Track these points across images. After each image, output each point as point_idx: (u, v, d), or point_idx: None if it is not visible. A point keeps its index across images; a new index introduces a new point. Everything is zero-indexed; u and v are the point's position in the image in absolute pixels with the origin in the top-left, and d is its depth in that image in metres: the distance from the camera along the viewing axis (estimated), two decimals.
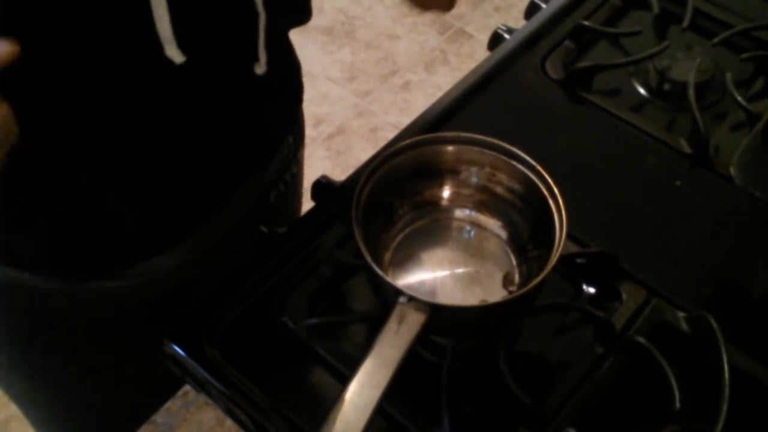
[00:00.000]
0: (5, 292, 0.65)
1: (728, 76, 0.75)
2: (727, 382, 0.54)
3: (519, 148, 0.58)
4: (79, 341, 0.72)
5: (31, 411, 0.81)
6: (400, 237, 0.61)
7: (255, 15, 0.55)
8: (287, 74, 0.67)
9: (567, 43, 0.80)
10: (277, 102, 0.67)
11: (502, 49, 0.80)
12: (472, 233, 0.62)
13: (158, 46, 0.48)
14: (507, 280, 0.58)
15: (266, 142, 0.70)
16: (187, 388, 0.61)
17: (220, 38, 0.54)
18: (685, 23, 0.81)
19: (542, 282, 0.52)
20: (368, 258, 0.52)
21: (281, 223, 0.69)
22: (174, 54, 0.49)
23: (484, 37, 0.84)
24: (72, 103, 0.49)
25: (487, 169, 0.60)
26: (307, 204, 0.68)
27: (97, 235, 0.60)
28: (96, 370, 0.76)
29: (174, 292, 0.73)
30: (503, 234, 0.61)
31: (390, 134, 0.75)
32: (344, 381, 0.47)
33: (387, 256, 0.60)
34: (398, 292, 0.50)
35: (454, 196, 0.62)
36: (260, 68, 0.58)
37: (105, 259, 0.63)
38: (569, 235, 0.56)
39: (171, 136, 0.56)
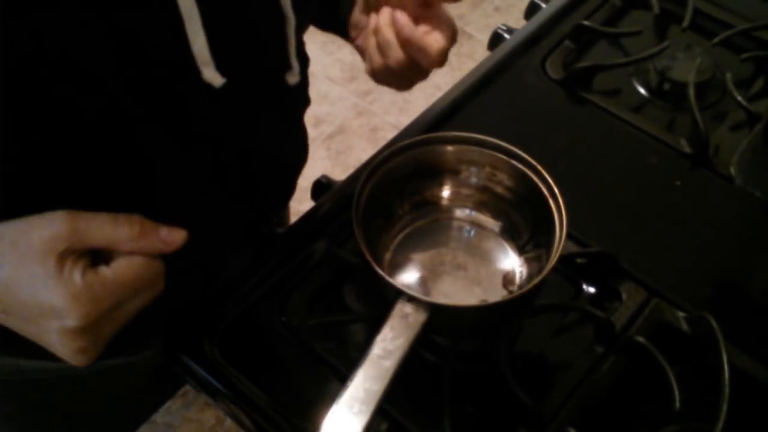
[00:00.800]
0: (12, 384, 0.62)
1: (728, 76, 0.75)
2: (727, 382, 0.54)
3: (519, 148, 0.58)
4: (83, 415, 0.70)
5: None
6: (400, 237, 0.61)
7: (284, 19, 0.52)
8: (306, 80, 0.65)
9: (567, 43, 0.80)
10: (299, 116, 0.65)
11: (502, 49, 0.80)
12: (472, 233, 0.62)
13: (195, 71, 0.46)
14: (507, 280, 0.58)
15: (291, 168, 0.68)
16: (187, 388, 0.61)
17: (255, 51, 0.52)
18: (685, 23, 0.81)
19: (542, 282, 0.52)
20: (368, 258, 0.52)
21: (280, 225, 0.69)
22: (212, 77, 0.46)
23: (484, 37, 0.84)
24: (109, 139, 0.46)
25: (487, 169, 0.60)
26: (307, 204, 0.68)
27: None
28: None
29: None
30: (503, 234, 0.61)
31: (390, 134, 0.75)
32: (344, 381, 0.47)
33: (387, 256, 0.60)
34: (398, 291, 0.50)
35: (454, 196, 0.62)
36: (293, 77, 0.56)
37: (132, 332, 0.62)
38: (569, 235, 0.56)
39: (210, 160, 0.54)
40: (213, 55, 0.45)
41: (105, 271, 0.41)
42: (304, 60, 0.60)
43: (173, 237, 0.42)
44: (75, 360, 0.42)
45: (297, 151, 0.68)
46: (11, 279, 0.39)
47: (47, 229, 0.39)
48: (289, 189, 0.69)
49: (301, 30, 0.56)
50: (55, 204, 0.41)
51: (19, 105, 0.41)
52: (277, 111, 0.59)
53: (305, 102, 0.66)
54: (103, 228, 0.40)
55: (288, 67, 0.55)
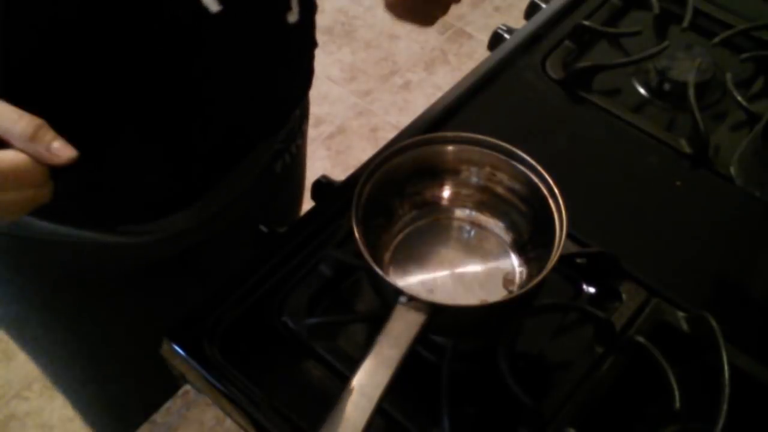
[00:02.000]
0: (17, 247, 0.65)
1: (728, 76, 0.75)
2: (727, 382, 0.54)
3: (519, 148, 0.58)
4: (88, 298, 0.73)
5: (47, 365, 0.81)
6: (400, 237, 0.61)
7: None
8: (311, 23, 0.67)
9: (567, 43, 0.80)
10: (303, 54, 0.66)
11: (502, 49, 0.80)
12: (472, 233, 0.62)
13: None
14: (507, 280, 0.58)
15: (286, 102, 0.69)
16: (187, 387, 0.61)
17: None
18: (685, 23, 0.81)
19: (542, 282, 0.52)
20: (368, 258, 0.52)
21: (284, 200, 0.69)
22: (209, 2, 0.48)
23: (484, 37, 0.84)
24: (104, 56, 0.48)
25: (487, 169, 0.60)
26: (307, 204, 0.68)
27: (122, 189, 0.60)
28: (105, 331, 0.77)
29: (184, 257, 0.74)
30: (503, 234, 0.61)
31: (390, 134, 0.75)
32: (344, 381, 0.47)
33: (387, 256, 0.60)
34: (398, 291, 0.50)
35: (454, 196, 0.62)
36: (293, 16, 0.57)
37: (126, 212, 0.63)
38: (569, 235, 0.56)
39: (200, 88, 0.56)
40: None
41: None
42: (308, 3, 0.62)
43: (62, 151, 0.43)
44: None
45: (298, 82, 0.70)
46: None
47: None
48: (285, 112, 0.71)
49: None
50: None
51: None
52: (276, 47, 0.60)
53: (311, 43, 0.68)
54: (4, 117, 0.42)
55: (287, 6, 0.57)
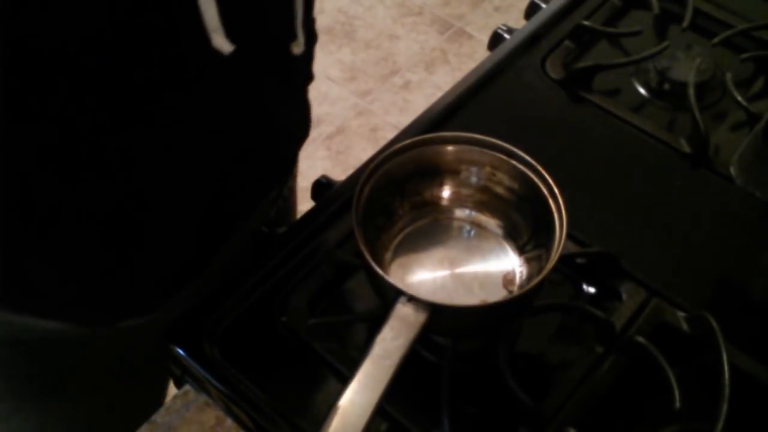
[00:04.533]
0: (10, 343, 0.61)
1: (728, 76, 0.75)
2: (727, 382, 0.54)
3: (519, 148, 0.58)
4: (84, 382, 0.69)
5: None
6: (400, 237, 0.61)
7: None
8: (312, 55, 0.65)
9: (567, 43, 0.80)
10: (303, 89, 0.65)
11: (502, 49, 0.80)
12: (472, 233, 0.62)
13: (205, 37, 0.46)
14: (507, 280, 0.58)
15: (290, 142, 0.68)
16: (187, 388, 0.61)
17: (263, 19, 0.52)
18: (685, 23, 0.81)
19: (542, 282, 0.52)
20: (368, 258, 0.52)
21: (280, 225, 0.69)
22: (222, 43, 0.46)
23: (484, 37, 0.84)
24: (107, 105, 0.46)
25: (487, 169, 0.60)
26: (307, 204, 0.68)
27: (146, 260, 0.57)
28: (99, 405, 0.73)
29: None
30: (503, 234, 0.61)
31: (390, 134, 0.75)
32: (344, 381, 0.47)
33: (387, 256, 0.60)
34: (398, 291, 0.50)
35: (454, 196, 0.62)
36: (298, 47, 0.56)
37: (143, 290, 0.60)
38: (569, 235, 0.56)
39: (217, 132, 0.54)
40: (222, 23, 0.45)
41: None
42: (311, 34, 0.61)
43: None
44: None
45: (299, 122, 0.68)
46: None
47: None
48: (289, 160, 0.70)
49: (308, 2, 0.56)
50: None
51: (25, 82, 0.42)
52: (282, 80, 0.59)
53: (309, 76, 0.67)
54: None
55: (294, 36, 0.55)
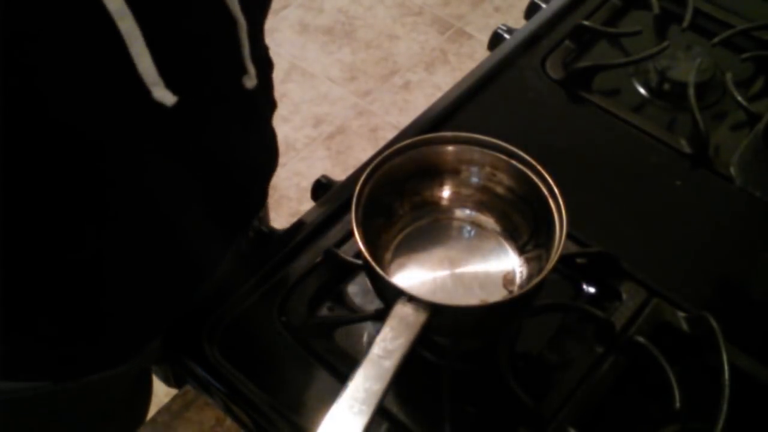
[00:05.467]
0: None
1: (728, 76, 0.75)
2: (727, 382, 0.54)
3: (519, 148, 0.58)
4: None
5: None
6: (400, 237, 0.61)
7: (235, 24, 0.48)
8: (269, 83, 0.63)
9: (567, 43, 0.80)
10: (265, 119, 0.63)
11: (502, 49, 0.80)
12: (472, 233, 0.62)
13: (144, 91, 0.42)
14: (507, 280, 0.58)
15: (261, 176, 0.66)
16: (187, 387, 0.61)
17: (206, 63, 0.49)
18: (685, 23, 0.81)
19: (542, 282, 0.52)
20: (368, 258, 0.52)
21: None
22: (163, 96, 0.43)
23: (484, 37, 0.84)
24: (43, 169, 0.44)
25: (487, 169, 0.60)
26: (307, 204, 0.68)
27: (110, 327, 0.56)
28: None
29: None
30: (503, 234, 0.61)
31: (390, 134, 0.75)
32: (344, 381, 0.47)
33: (387, 256, 0.60)
34: (398, 291, 0.50)
35: (454, 196, 0.62)
36: (250, 81, 0.53)
37: (112, 350, 0.59)
38: (569, 235, 0.56)
39: (180, 182, 0.52)
40: (161, 74, 0.43)
41: None
42: (263, 63, 0.58)
43: None
44: None
45: (266, 154, 0.66)
46: None
47: None
48: (260, 194, 0.68)
49: (256, 32, 0.53)
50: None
51: None
52: (238, 117, 0.56)
53: (271, 105, 0.64)
54: None
55: (243, 71, 0.52)
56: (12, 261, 0.47)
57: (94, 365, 0.60)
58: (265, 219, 0.78)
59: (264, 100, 0.62)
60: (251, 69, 0.52)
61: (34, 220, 0.46)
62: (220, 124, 0.54)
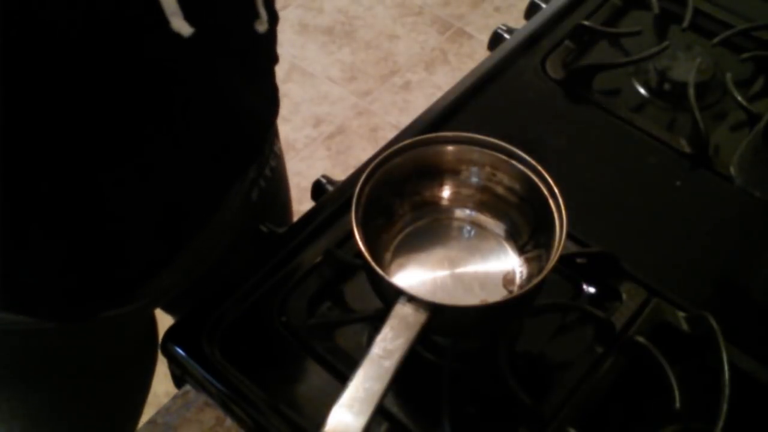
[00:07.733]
0: None
1: (728, 76, 0.75)
2: (727, 382, 0.54)
3: (519, 148, 0.58)
4: (69, 374, 0.69)
5: None
6: (400, 237, 0.61)
7: None
8: (275, 34, 0.64)
9: (567, 43, 0.80)
10: (270, 69, 0.65)
11: (502, 49, 0.80)
12: (472, 233, 0.62)
13: (164, 21, 0.45)
14: (507, 280, 0.58)
15: (260, 123, 0.67)
16: (187, 387, 0.61)
17: (222, 1, 0.52)
18: (685, 23, 0.81)
19: (542, 282, 0.52)
20: (368, 258, 0.52)
21: (272, 217, 0.69)
22: (181, 26, 0.46)
23: (484, 37, 0.84)
24: (72, 100, 0.46)
25: (487, 169, 0.60)
26: (307, 204, 0.68)
27: (112, 257, 0.57)
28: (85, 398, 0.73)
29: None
30: (503, 234, 0.61)
31: (390, 134, 0.75)
32: (344, 381, 0.47)
33: (387, 256, 0.60)
34: (398, 291, 0.50)
35: (454, 196, 0.62)
36: (262, 26, 0.55)
37: (117, 282, 0.61)
38: (569, 235, 0.56)
39: (183, 119, 0.53)
40: (180, 5, 0.45)
41: None
42: (272, 14, 0.60)
43: None
44: None
45: (267, 102, 0.67)
46: None
47: None
48: (260, 141, 0.69)
49: None
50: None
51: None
52: (247, 61, 0.58)
53: (273, 56, 0.66)
54: None
55: (256, 15, 0.55)
56: (41, 178, 0.48)
57: (102, 302, 0.61)
58: (278, 172, 0.79)
59: (270, 50, 0.63)
60: (263, 14, 0.55)
61: (82, 136, 0.48)
62: (230, 64, 0.56)
